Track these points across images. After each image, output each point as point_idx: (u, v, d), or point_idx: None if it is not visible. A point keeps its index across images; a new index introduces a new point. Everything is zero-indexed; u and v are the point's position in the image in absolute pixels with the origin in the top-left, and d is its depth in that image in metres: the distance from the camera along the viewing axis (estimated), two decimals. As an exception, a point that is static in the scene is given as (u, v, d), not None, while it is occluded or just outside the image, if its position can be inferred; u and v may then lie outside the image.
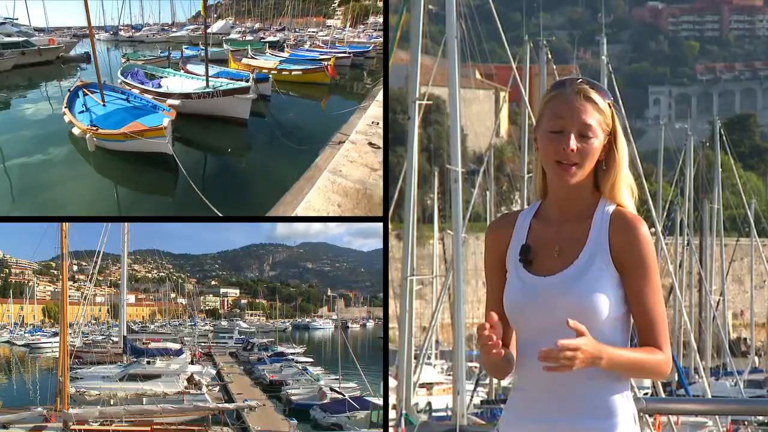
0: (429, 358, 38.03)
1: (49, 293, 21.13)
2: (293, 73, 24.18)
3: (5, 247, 20.89)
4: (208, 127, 18.51)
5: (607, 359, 2.98)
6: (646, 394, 28.10)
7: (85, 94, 17.87)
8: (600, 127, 3.13)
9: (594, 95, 3.14)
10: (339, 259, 25.33)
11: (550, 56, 35.79)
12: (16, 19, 21.45)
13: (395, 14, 25.82)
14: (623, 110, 30.56)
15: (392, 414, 23.04)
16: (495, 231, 3.30)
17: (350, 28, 27.81)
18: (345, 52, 24.81)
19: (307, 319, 23.99)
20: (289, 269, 25.69)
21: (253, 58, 25.35)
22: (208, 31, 27.75)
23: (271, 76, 22.09)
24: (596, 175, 3.17)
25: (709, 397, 31.43)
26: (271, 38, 28.03)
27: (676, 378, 35.81)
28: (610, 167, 3.17)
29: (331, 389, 18.46)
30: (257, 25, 29.16)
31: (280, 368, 19.80)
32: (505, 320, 3.19)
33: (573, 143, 3.09)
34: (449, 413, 30.96)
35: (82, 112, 17.10)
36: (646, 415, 4.27)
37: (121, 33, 26.38)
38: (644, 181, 26.47)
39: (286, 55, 26.69)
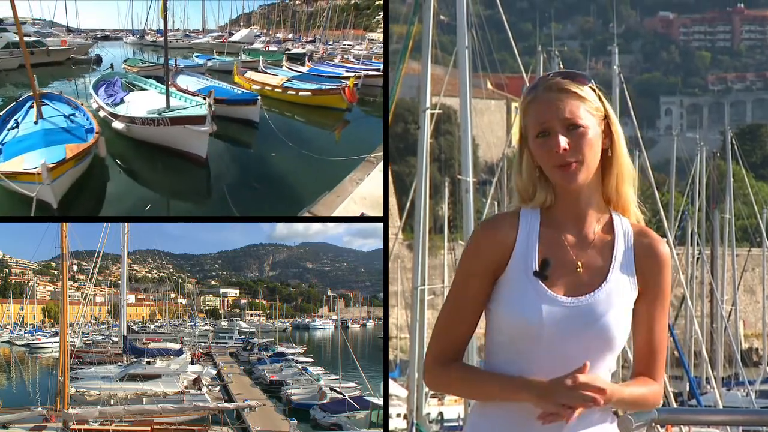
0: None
1: (49, 293, 21.13)
2: (300, 93, 21.05)
3: (5, 247, 20.84)
4: (153, 162, 15.42)
5: (616, 400, 2.80)
6: (657, 404, 27.93)
7: (31, 107, 15.66)
8: (589, 114, 2.84)
9: (569, 85, 2.85)
10: (339, 259, 25.23)
11: (561, 66, 35.83)
12: (43, 19, 21.49)
13: (405, 24, 25.62)
14: (635, 120, 30.62)
15: (403, 424, 22.99)
16: (494, 232, 2.90)
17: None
18: (378, 69, 21.14)
19: (307, 319, 23.92)
20: (289, 269, 25.59)
21: (262, 71, 23.00)
22: (231, 39, 26.52)
23: (259, 96, 18.81)
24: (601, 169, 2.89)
25: (721, 407, 31.30)
26: (297, 50, 25.75)
27: (688, 388, 35.68)
28: (615, 155, 2.89)
29: (331, 389, 18.39)
30: (290, 35, 27.43)
31: (280, 368, 19.74)
32: (459, 330, 2.92)
33: (563, 142, 2.80)
34: (461, 423, 30.92)
35: (12, 128, 14.97)
36: (658, 426, 4.28)
37: (147, 38, 25.94)
38: (656, 191, 26.38)
39: (304, 69, 23.93)
